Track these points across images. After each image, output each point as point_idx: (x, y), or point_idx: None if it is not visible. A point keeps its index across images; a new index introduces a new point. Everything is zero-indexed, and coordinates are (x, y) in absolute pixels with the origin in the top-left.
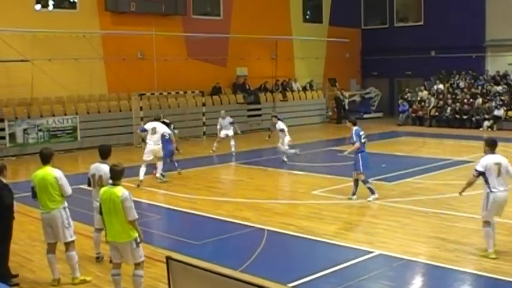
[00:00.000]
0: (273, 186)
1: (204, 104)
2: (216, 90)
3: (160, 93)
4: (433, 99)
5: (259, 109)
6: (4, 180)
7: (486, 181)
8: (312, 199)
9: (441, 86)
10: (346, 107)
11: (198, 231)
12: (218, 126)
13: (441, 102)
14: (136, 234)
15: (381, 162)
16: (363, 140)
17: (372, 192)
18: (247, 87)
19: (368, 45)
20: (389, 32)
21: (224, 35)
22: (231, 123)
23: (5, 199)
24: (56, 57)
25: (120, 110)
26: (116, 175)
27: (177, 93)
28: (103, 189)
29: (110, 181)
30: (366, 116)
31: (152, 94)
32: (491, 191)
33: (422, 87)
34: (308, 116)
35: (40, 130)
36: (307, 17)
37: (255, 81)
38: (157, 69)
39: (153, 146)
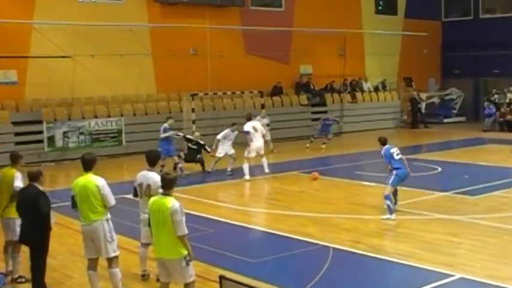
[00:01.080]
0: (340, 198)
1: (263, 106)
2: (277, 90)
3: (215, 93)
4: None
5: (325, 112)
6: (41, 187)
7: None
8: (385, 214)
9: None
10: (423, 110)
11: (255, 248)
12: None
13: None
14: (186, 252)
15: (463, 173)
16: (397, 157)
17: (390, 211)
18: (312, 87)
19: (449, 40)
20: (474, 24)
21: (286, 28)
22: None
23: (42, 207)
24: (100, 53)
25: (170, 112)
26: (168, 184)
27: (233, 93)
28: (152, 199)
29: (161, 190)
30: (446, 120)
31: (205, 94)
32: None
33: None
34: (380, 120)
35: (81, 133)
36: (380, 8)
37: (320, 80)
38: (212, 67)
39: (259, 143)
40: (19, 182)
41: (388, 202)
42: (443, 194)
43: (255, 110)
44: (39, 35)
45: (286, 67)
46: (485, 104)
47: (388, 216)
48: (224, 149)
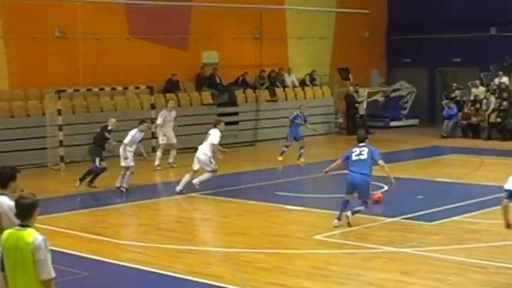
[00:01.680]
0: (257, 228)
1: (153, 106)
2: (172, 86)
3: (89, 90)
4: (493, 98)
5: (235, 113)
6: None
7: None
8: (315, 247)
9: (505, 80)
10: (363, 110)
11: None
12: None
13: (505, 104)
14: None
15: (416, 193)
16: (354, 158)
17: (338, 217)
18: (218, 81)
19: (397, 20)
20: (430, 0)
21: (184, 3)
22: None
23: None
24: None
25: (28, 115)
26: (25, 212)
27: (114, 89)
28: (6, 233)
29: (16, 221)
30: (393, 123)
31: (76, 91)
32: None
33: (478, 82)
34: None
35: None
36: None
37: (229, 72)
38: (85, 54)
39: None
40: None
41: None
42: (391, 220)
43: (143, 111)
44: None
45: (183, 54)
46: (444, 102)
47: (335, 222)
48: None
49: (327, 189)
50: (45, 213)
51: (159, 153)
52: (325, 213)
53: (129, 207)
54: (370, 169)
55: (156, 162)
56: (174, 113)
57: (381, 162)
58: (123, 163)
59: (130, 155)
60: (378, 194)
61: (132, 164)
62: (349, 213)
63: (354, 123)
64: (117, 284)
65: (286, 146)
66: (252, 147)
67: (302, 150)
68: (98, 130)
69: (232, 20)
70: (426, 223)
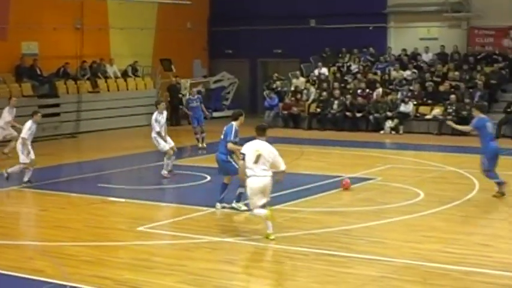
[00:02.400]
0: (78, 220)
1: None
2: None
3: None
4: (313, 89)
5: (56, 105)
6: None
7: None
8: (138, 239)
9: (325, 71)
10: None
11: None
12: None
13: (325, 94)
14: None
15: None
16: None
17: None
18: (39, 72)
19: (219, 11)
20: None
21: None
22: None
23: None
24: None
25: None
26: None
27: None
28: None
29: None
30: (216, 114)
31: None
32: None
33: (298, 72)
34: (130, 116)
35: None
36: None
37: (50, 63)
38: None
39: None
40: None
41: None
42: (213, 210)
43: None
44: None
45: (2, 45)
46: (265, 93)
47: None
48: None
49: (150, 180)
50: None
51: None
52: (149, 204)
53: None
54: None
55: None
56: (14, 111)
57: (229, 145)
58: None
59: None
60: (346, 180)
61: None
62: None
63: (177, 115)
64: None
65: (196, 133)
66: (74, 139)
67: (204, 135)
68: None
69: (53, 9)
70: (249, 212)
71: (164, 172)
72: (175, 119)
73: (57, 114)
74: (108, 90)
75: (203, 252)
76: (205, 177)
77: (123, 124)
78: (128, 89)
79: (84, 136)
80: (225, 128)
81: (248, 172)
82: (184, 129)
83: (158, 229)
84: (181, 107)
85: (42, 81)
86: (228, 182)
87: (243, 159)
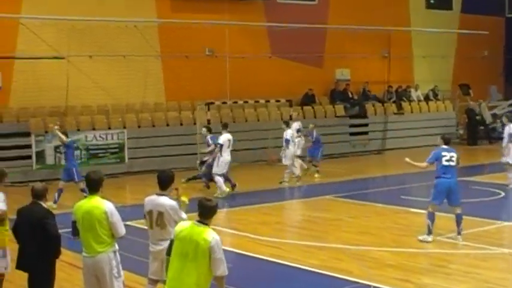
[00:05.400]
0: (383, 228)
1: (291, 118)
2: (309, 99)
3: (235, 102)
4: None
5: (365, 125)
6: (45, 205)
7: None
8: (436, 247)
9: None
10: (490, 118)
11: (280, 286)
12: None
13: None
14: None
15: None
16: (445, 163)
17: (428, 232)
18: (350, 95)
19: None
20: None
21: (319, 25)
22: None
23: (50, 228)
24: (99, 53)
25: (181, 124)
26: (208, 212)
27: (257, 102)
28: (183, 225)
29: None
30: None
31: (224, 103)
32: None
33: None
34: (430, 135)
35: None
36: (432, 1)
37: (359, 87)
38: (231, 71)
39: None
40: (1, 204)
41: (428, 221)
42: (508, 223)
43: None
44: (27, 32)
45: (319, 71)
46: None
47: (425, 236)
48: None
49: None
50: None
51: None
52: (445, 216)
53: (266, 208)
54: None
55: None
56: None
57: None
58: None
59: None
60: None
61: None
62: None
63: (474, 135)
64: (259, 276)
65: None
66: (380, 155)
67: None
68: None
69: (363, 40)
70: None
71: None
72: (472, 139)
73: (366, 133)
74: (412, 112)
75: (496, 262)
76: (499, 194)
77: (424, 142)
78: (429, 111)
79: (389, 153)
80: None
81: None
82: (481, 148)
83: (456, 239)
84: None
85: (353, 103)
86: None
87: None
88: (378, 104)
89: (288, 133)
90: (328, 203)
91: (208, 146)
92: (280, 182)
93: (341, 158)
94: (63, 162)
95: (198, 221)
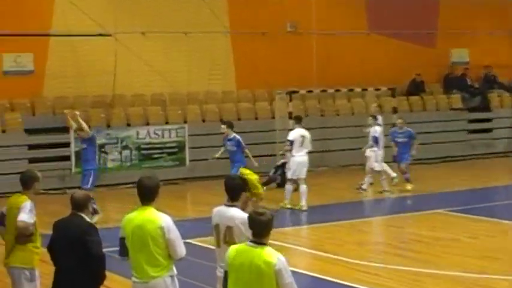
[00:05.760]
0: (510, 251)
1: (395, 110)
2: (416, 87)
3: (323, 91)
4: None
5: (488, 120)
6: (87, 218)
7: None
8: None
9: None
10: None
11: None
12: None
13: None
14: None
15: None
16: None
17: None
18: (469, 82)
19: None
20: None
21: None
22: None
23: (92, 246)
24: (154, 29)
25: (257, 118)
26: (263, 229)
27: (351, 90)
28: (235, 248)
29: (249, 237)
30: None
31: (309, 92)
32: None
33: None
34: None
35: (125, 147)
36: None
37: (481, 72)
38: (318, 52)
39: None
40: (25, 215)
41: None
42: None
43: (384, 116)
44: (66, 3)
45: (429, 52)
46: None
47: None
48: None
49: None
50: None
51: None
52: None
53: (356, 223)
54: None
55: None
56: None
57: None
58: None
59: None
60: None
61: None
62: None
63: None
64: None
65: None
66: (507, 158)
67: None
68: None
69: (486, 13)
70: None
71: None
72: None
73: (489, 130)
74: None
75: None
76: None
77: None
78: None
79: None
80: None
81: None
82: None
83: None
84: None
85: (473, 92)
86: None
87: None
88: (505, 94)
89: (378, 130)
90: (440, 219)
91: (230, 147)
92: (380, 192)
93: (457, 161)
94: (109, 164)
95: (253, 241)
